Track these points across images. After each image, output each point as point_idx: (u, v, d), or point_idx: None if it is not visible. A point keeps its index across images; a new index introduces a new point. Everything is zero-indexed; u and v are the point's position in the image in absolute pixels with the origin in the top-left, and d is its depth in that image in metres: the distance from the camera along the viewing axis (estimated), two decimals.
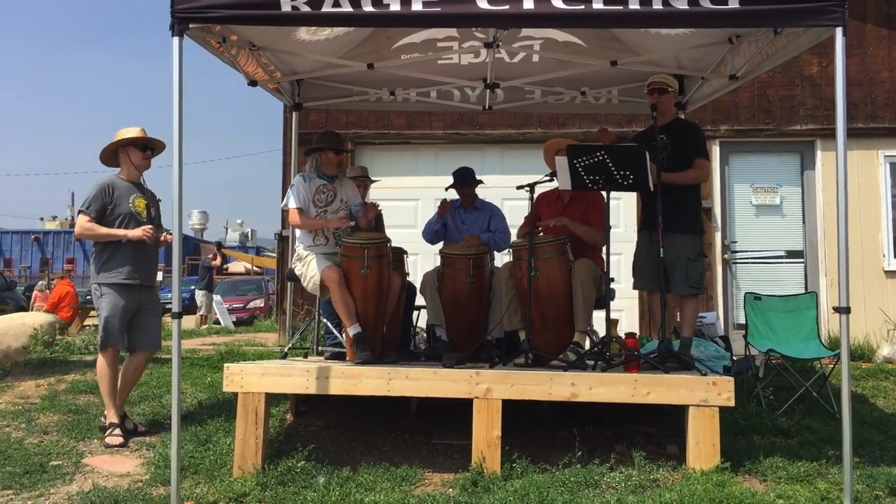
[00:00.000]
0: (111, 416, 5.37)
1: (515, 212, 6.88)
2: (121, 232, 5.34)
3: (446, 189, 6.39)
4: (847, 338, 4.12)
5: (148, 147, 5.53)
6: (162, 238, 5.57)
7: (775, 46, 5.08)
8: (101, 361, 5.42)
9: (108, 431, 5.30)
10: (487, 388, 4.56)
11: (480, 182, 6.40)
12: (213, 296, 18.50)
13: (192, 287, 18.76)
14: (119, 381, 5.47)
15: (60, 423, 5.70)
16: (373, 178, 6.69)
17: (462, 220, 6.32)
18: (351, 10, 4.07)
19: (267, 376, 4.77)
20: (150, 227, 5.38)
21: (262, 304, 21.01)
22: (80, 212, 5.43)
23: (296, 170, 6.86)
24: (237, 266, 32.79)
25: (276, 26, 5.07)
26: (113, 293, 5.36)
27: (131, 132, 5.47)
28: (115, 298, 5.35)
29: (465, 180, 6.29)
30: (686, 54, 5.95)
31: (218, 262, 18.71)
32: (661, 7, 3.97)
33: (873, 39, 9.36)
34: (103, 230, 5.36)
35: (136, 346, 5.50)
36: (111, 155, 5.56)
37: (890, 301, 9.04)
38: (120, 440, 5.22)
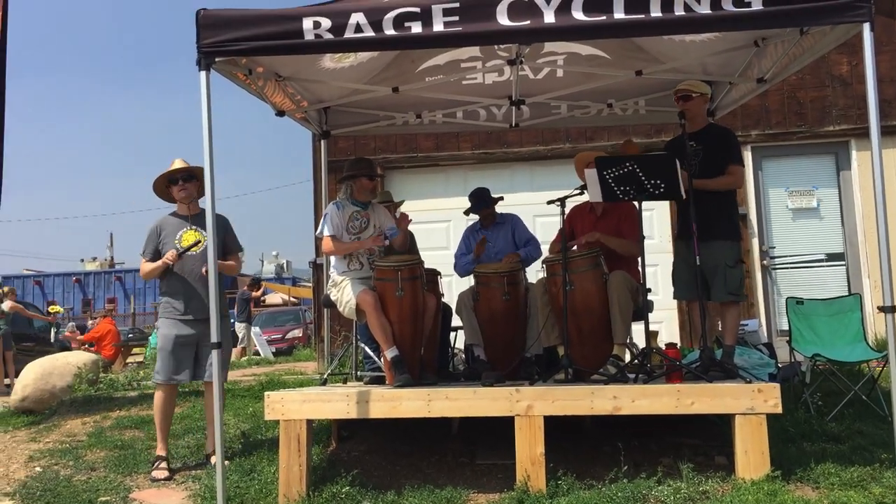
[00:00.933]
0: (158, 450, 5.45)
1: (548, 228, 6.86)
2: (158, 263, 5.47)
3: (465, 213, 6.38)
4: (894, 336, 4.02)
5: (178, 179, 5.60)
6: (204, 270, 5.39)
7: (802, 47, 5.02)
8: (156, 395, 5.57)
9: (155, 465, 5.35)
10: (528, 405, 4.52)
11: (500, 199, 6.37)
12: (252, 328, 18.66)
13: (232, 321, 18.94)
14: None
15: (107, 459, 5.76)
16: (396, 201, 6.68)
17: (487, 238, 6.30)
18: (373, 34, 4.12)
19: (307, 403, 4.78)
20: (172, 251, 5.41)
21: (301, 334, 21.13)
22: (140, 255, 5.64)
23: (326, 198, 6.91)
24: (274, 297, 33.04)
25: (301, 55, 5.13)
26: (164, 325, 5.50)
27: (173, 167, 5.60)
28: (165, 330, 5.48)
29: (482, 203, 6.27)
30: (711, 60, 5.90)
31: (259, 293, 18.85)
32: (684, 13, 3.96)
33: None
34: (149, 267, 5.54)
35: (200, 376, 5.56)
36: (164, 193, 5.70)
37: None
38: (165, 473, 5.26)
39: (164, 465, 5.34)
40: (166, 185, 5.64)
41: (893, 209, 8.80)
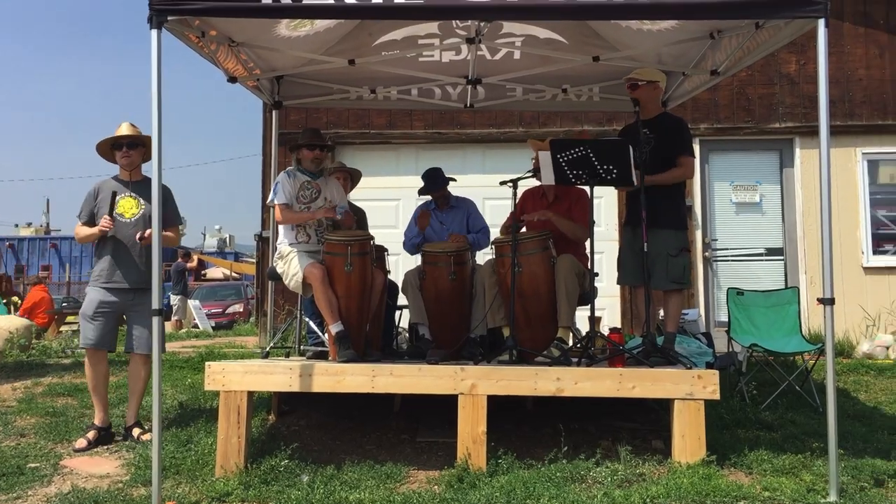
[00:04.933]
0: (96, 417, 5.33)
1: (499, 210, 6.87)
2: (93, 230, 5.31)
3: (419, 193, 6.33)
4: (832, 328, 4.11)
5: (123, 145, 5.43)
6: (138, 237, 5.30)
7: (756, 41, 5.09)
8: (85, 362, 5.41)
9: (83, 433, 5.23)
10: (472, 384, 4.53)
11: (452, 180, 6.34)
12: (191, 301, 18.34)
13: (168, 293, 18.55)
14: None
15: (38, 425, 5.60)
16: (350, 167, 6.56)
17: (440, 220, 6.26)
18: (333, 2, 4.03)
19: (249, 374, 4.71)
20: (106, 218, 5.24)
21: (242, 309, 20.89)
22: (77, 217, 5.47)
23: (276, 170, 6.80)
24: (215, 272, 32.56)
25: (256, 20, 5.02)
26: (92, 292, 5.35)
27: (119, 132, 5.42)
28: (92, 296, 5.33)
29: (435, 184, 6.23)
30: (667, 50, 5.95)
31: (194, 264, 18.51)
32: None
33: (850, 38, 9.45)
34: (84, 232, 5.38)
35: (128, 347, 5.41)
36: (108, 154, 5.51)
37: (868, 297, 9.10)
38: (84, 443, 5.11)
39: (90, 434, 5.19)
40: (111, 147, 5.47)
41: (834, 207, 9.10)
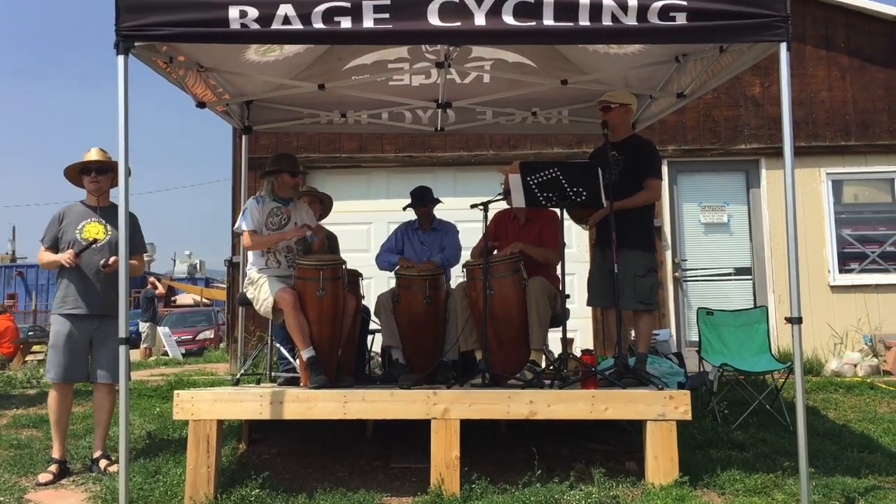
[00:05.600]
0: (54, 451, 5.19)
1: (470, 233, 6.86)
2: (54, 257, 5.23)
3: (404, 209, 6.34)
4: (800, 347, 4.14)
5: (92, 170, 5.37)
6: (102, 264, 5.20)
7: (721, 64, 5.16)
8: (50, 394, 5.29)
9: (45, 468, 5.10)
10: (445, 409, 4.50)
11: (439, 202, 6.36)
12: (160, 328, 18.11)
13: (137, 320, 18.29)
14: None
15: (2, 458, 5.47)
16: (321, 193, 6.55)
17: (421, 240, 6.27)
18: (301, 27, 4.03)
19: (219, 402, 4.64)
20: (69, 253, 5.15)
21: (212, 336, 20.66)
22: (40, 241, 5.37)
23: (246, 195, 6.75)
24: (185, 298, 32.21)
25: (225, 45, 5.01)
26: (57, 322, 5.23)
27: (86, 156, 5.36)
28: (58, 327, 5.20)
29: (421, 200, 6.25)
30: (634, 73, 6.02)
31: (162, 291, 18.30)
32: (611, 23, 4.01)
33: (812, 60, 9.65)
34: (46, 258, 5.31)
35: (93, 378, 5.30)
36: (75, 178, 5.44)
37: (836, 315, 9.23)
38: (49, 477, 4.98)
39: (53, 467, 5.07)
40: (79, 172, 5.40)
41: (800, 227, 9.25)
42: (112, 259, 5.18)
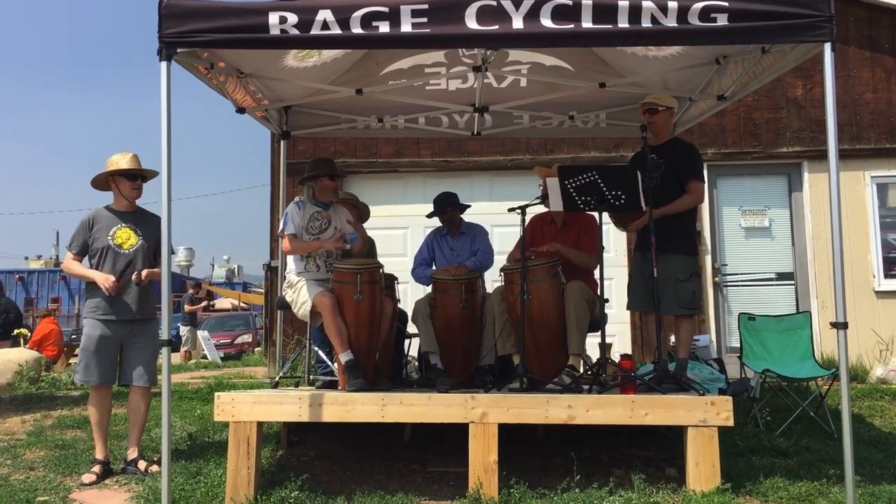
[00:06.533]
0: (96, 452, 5.27)
1: (506, 238, 6.86)
2: (89, 274, 5.22)
3: (427, 216, 6.35)
4: (846, 353, 4.07)
5: (137, 177, 5.43)
6: (135, 278, 5.24)
7: (762, 66, 5.10)
8: (90, 397, 5.36)
9: (89, 468, 5.17)
10: (483, 413, 4.49)
11: (466, 207, 6.35)
12: (200, 331, 18.33)
13: (177, 324, 18.54)
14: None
15: (47, 458, 5.57)
16: (359, 202, 6.57)
17: (450, 246, 6.27)
18: (340, 32, 4.06)
19: (259, 405, 4.68)
20: (112, 280, 5.15)
21: (250, 339, 20.87)
22: (67, 248, 5.39)
23: (284, 200, 6.81)
24: (224, 303, 32.59)
25: (264, 51, 5.07)
26: (88, 325, 5.26)
27: (122, 161, 5.34)
28: (90, 330, 5.24)
29: (441, 208, 6.23)
30: (673, 75, 5.97)
31: (202, 294, 18.53)
32: (651, 25, 3.98)
33: (856, 61, 9.47)
34: (78, 270, 5.31)
35: (126, 380, 5.38)
36: (103, 183, 5.44)
37: (881, 321, 9.03)
38: (93, 478, 5.05)
39: (96, 468, 5.14)
40: (114, 178, 5.39)
41: (844, 231, 9.09)
42: (145, 273, 5.26)
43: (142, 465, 5.25)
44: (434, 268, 6.25)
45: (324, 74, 6.10)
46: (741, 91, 5.69)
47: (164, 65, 4.15)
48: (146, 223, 5.42)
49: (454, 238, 6.27)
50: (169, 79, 4.17)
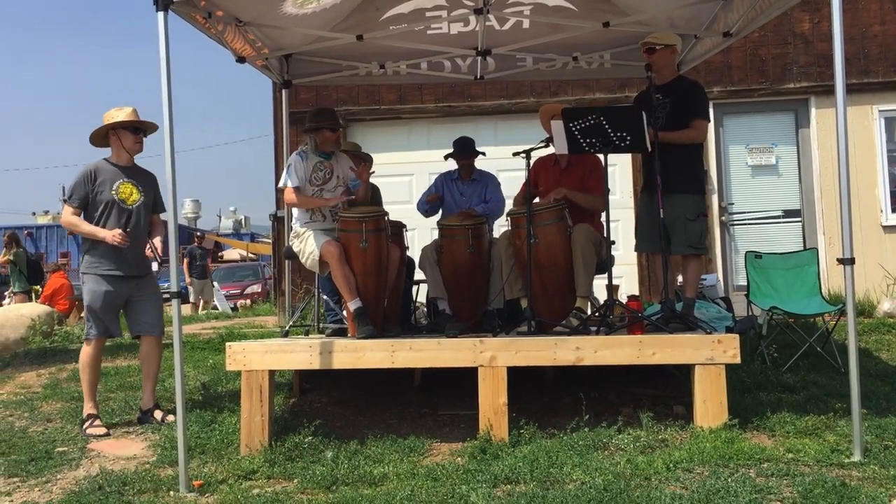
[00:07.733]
0: (87, 408, 5.30)
1: (512, 182, 6.82)
2: (98, 233, 5.18)
3: (445, 158, 6.33)
4: (852, 288, 4.07)
5: (140, 130, 5.41)
6: (149, 249, 5.27)
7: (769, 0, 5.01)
8: (83, 351, 5.36)
9: (88, 423, 5.20)
10: (492, 356, 4.54)
11: (482, 154, 6.34)
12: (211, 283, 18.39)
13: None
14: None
15: (64, 410, 5.67)
16: (362, 153, 6.56)
17: (460, 191, 6.28)
18: None
19: (270, 353, 4.74)
20: (120, 232, 5.12)
21: (260, 290, 20.98)
22: (64, 201, 5.34)
23: (288, 150, 6.80)
24: (232, 253, 32.71)
25: None
26: (92, 281, 5.25)
27: (122, 114, 5.30)
28: (94, 286, 5.24)
29: (465, 152, 6.23)
30: (678, 13, 5.87)
31: (208, 244, 18.49)
32: None
33: None
34: (84, 227, 5.25)
35: (138, 331, 5.44)
36: (102, 138, 5.41)
37: (889, 256, 9.02)
38: (104, 430, 5.13)
39: (98, 422, 5.21)
40: (109, 132, 5.35)
41: (851, 166, 9.03)
42: (159, 245, 5.30)
43: (157, 414, 5.34)
44: (441, 209, 6.28)
45: (323, 21, 6.01)
46: (747, 27, 5.60)
47: (160, 15, 4.09)
48: (144, 179, 5.44)
49: (465, 184, 6.27)
50: (167, 29, 4.12)
